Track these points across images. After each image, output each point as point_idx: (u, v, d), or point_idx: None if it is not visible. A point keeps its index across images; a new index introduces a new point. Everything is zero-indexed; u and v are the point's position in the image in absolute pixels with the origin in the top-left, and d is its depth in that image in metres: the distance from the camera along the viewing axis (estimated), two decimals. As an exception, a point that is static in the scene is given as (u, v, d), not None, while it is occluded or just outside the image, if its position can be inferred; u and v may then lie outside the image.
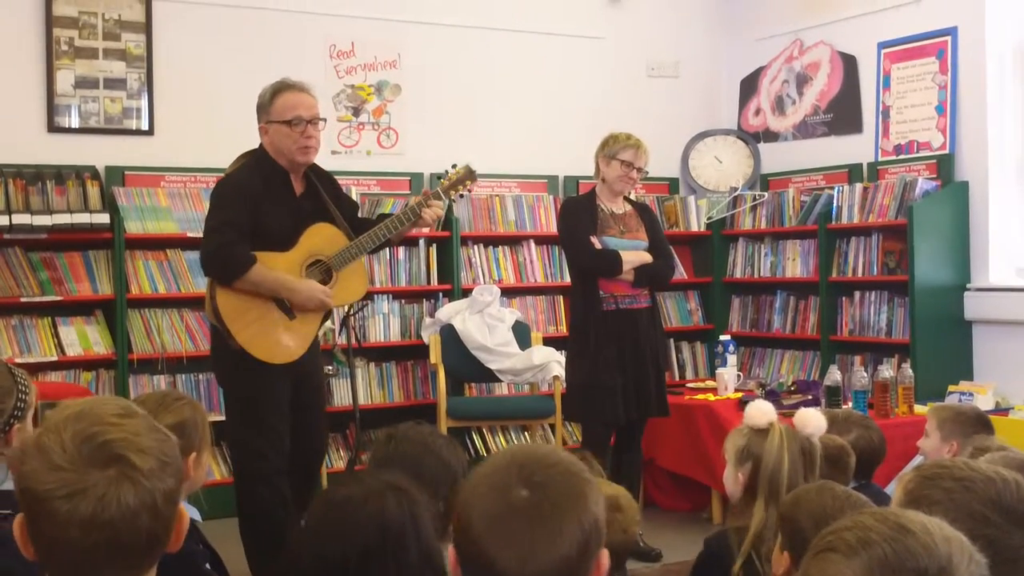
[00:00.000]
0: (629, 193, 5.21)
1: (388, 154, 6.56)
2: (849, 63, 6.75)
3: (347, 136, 6.46)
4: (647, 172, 5.12)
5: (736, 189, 7.11)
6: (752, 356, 7.04)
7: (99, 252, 5.65)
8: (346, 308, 5.48)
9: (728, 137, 7.40)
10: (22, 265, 5.47)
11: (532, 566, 1.39)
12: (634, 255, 4.94)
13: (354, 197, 5.42)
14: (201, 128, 5.97)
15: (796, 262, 6.73)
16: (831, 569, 1.28)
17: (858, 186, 6.36)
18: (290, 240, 4.08)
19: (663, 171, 7.11)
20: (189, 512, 1.48)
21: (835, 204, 6.41)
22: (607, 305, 4.92)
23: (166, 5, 5.96)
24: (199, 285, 5.50)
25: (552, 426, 6.09)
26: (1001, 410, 5.41)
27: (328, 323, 5.14)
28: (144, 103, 5.92)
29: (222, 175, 4.24)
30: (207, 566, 2.41)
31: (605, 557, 1.48)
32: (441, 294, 6.42)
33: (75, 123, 5.79)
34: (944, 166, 6.12)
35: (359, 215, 4.52)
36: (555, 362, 5.97)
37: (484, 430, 6.39)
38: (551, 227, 6.54)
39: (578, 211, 5.02)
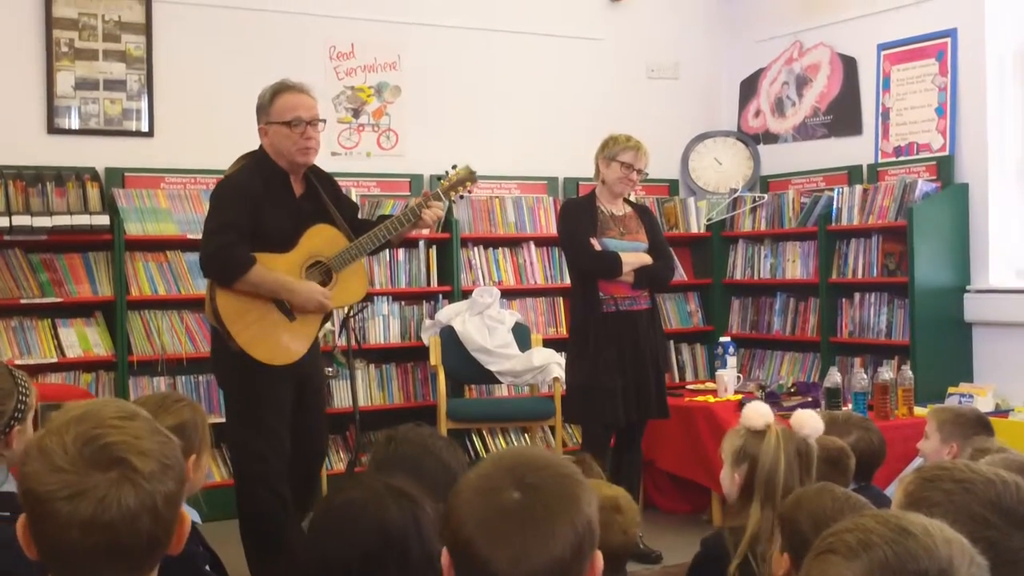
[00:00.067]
0: (629, 195, 5.21)
1: (388, 155, 6.56)
2: (849, 65, 6.75)
3: (347, 138, 6.47)
4: (647, 174, 5.12)
5: (736, 191, 7.11)
6: (752, 358, 7.04)
7: (99, 254, 5.65)
8: (346, 310, 5.48)
9: (728, 139, 7.41)
10: (22, 266, 5.47)
11: (525, 568, 1.39)
12: (634, 257, 4.94)
13: (354, 198, 5.42)
14: (201, 129, 5.97)
15: (796, 264, 6.74)
16: (832, 571, 1.28)
17: (858, 188, 6.36)
18: (290, 241, 4.08)
19: (663, 173, 7.11)
20: (189, 514, 1.49)
21: (835, 206, 6.41)
22: (607, 307, 4.92)
23: (166, 6, 5.97)
24: (199, 287, 5.50)
25: (552, 428, 6.09)
26: (1001, 412, 5.41)
27: (328, 325, 5.14)
28: (144, 104, 5.93)
29: (222, 176, 4.24)
30: (207, 568, 2.41)
31: (599, 559, 1.48)
32: (441, 296, 6.42)
33: (75, 124, 5.79)
34: (944, 168, 6.12)
35: (359, 216, 4.52)
36: (555, 364, 5.97)
37: (484, 432, 6.39)
38: (551, 229, 6.54)
39: (578, 213, 5.02)
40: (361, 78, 6.51)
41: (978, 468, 1.70)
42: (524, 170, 6.84)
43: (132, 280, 5.66)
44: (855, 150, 6.67)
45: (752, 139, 7.36)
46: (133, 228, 5.66)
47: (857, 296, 6.34)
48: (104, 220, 5.52)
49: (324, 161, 4.41)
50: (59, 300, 5.51)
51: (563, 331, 6.53)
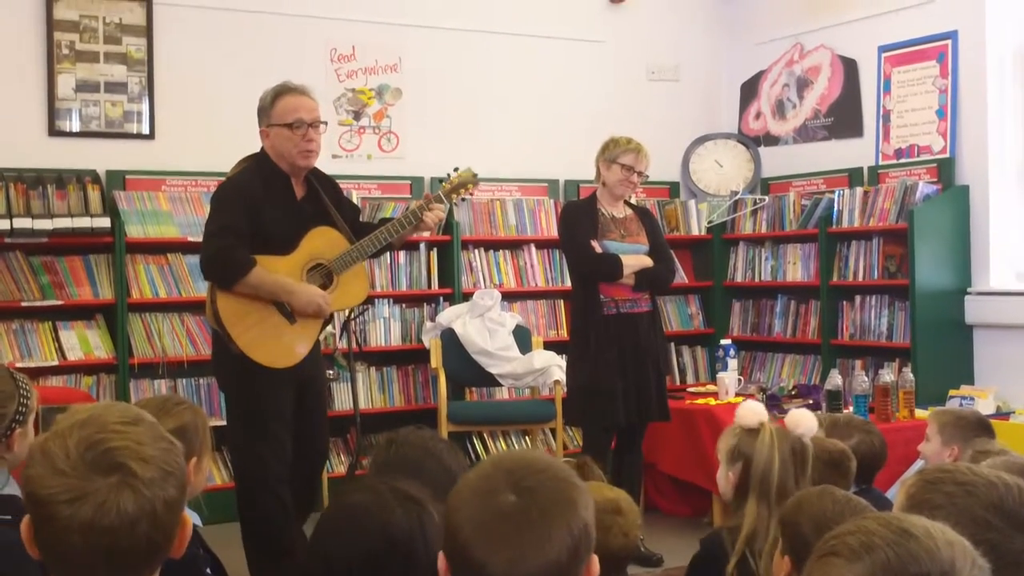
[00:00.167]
0: (630, 197, 5.21)
1: (389, 158, 6.57)
2: (849, 67, 6.75)
3: (348, 140, 6.47)
4: (647, 176, 5.12)
5: (737, 193, 7.11)
6: (753, 360, 7.03)
7: (100, 256, 5.65)
8: (347, 312, 5.49)
9: (728, 141, 7.41)
10: (23, 269, 5.47)
11: (521, 571, 1.39)
12: (635, 259, 4.94)
13: (355, 201, 5.41)
14: (202, 132, 5.97)
15: (797, 266, 6.74)
16: (834, 573, 1.28)
17: (859, 190, 6.36)
18: (291, 244, 4.08)
19: (664, 175, 7.11)
20: (190, 517, 1.49)
21: (836, 208, 6.41)
22: (608, 309, 4.92)
23: (167, 9, 5.97)
24: (200, 289, 5.50)
25: (553, 430, 6.09)
26: (1002, 414, 5.41)
27: (329, 327, 5.15)
28: (145, 107, 5.93)
29: (223, 179, 4.24)
30: (208, 571, 2.41)
31: (595, 563, 1.48)
32: (442, 298, 6.42)
33: (76, 127, 5.79)
34: (945, 170, 6.12)
35: (360, 219, 4.52)
36: (556, 366, 5.97)
37: (485, 435, 6.39)
38: (552, 231, 6.54)
39: (579, 215, 5.02)
40: (362, 80, 6.51)
41: (980, 471, 1.70)
42: (525, 172, 6.84)
43: (133, 282, 5.67)
44: (856, 152, 6.68)
45: (753, 141, 7.36)
46: (134, 230, 5.67)
47: (858, 298, 6.34)
48: (105, 222, 5.53)
49: (325, 163, 4.42)
50: (60, 303, 5.51)
51: (564, 333, 6.53)
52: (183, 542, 1.45)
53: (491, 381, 6.24)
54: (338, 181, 4.47)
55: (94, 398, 5.40)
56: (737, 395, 5.67)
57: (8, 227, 5.30)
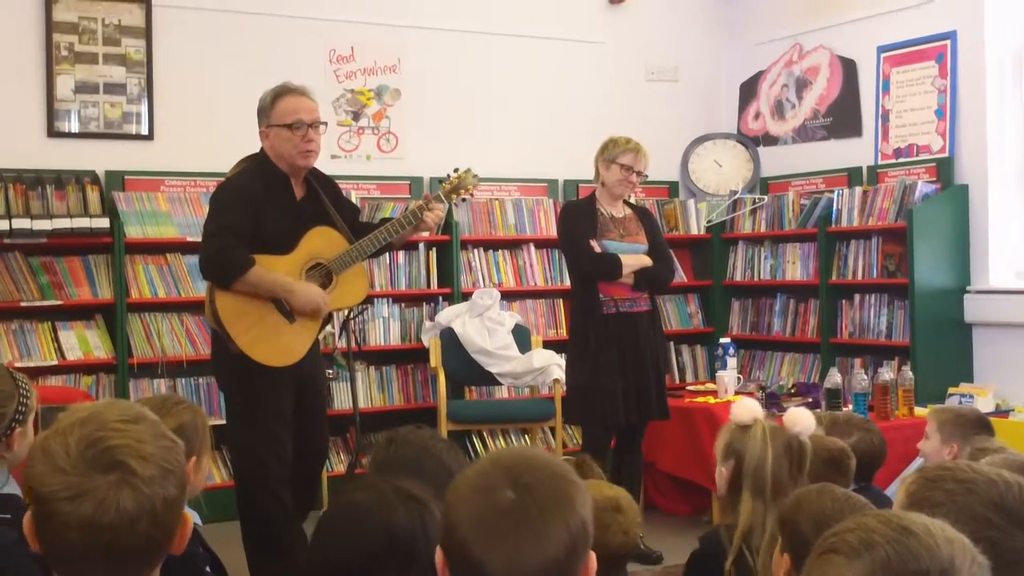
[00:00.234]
0: (629, 197, 5.21)
1: (388, 158, 6.57)
2: (848, 67, 6.76)
3: (347, 140, 6.47)
4: (647, 176, 5.12)
5: (736, 192, 7.11)
6: (752, 359, 7.04)
7: (99, 256, 5.65)
8: (346, 312, 5.49)
9: (728, 141, 7.41)
10: (22, 270, 5.47)
11: (518, 568, 1.39)
12: (634, 259, 4.94)
13: (354, 201, 5.41)
14: (201, 133, 5.97)
15: (796, 265, 6.74)
16: (833, 571, 1.28)
17: (858, 189, 6.36)
18: (290, 244, 4.08)
19: (663, 175, 7.11)
20: (190, 516, 1.50)
21: (835, 207, 6.41)
22: (607, 308, 4.92)
23: (166, 10, 5.97)
24: (199, 289, 5.50)
25: (552, 429, 6.09)
26: (1001, 412, 5.41)
27: (328, 327, 5.15)
28: (144, 108, 5.93)
29: (222, 179, 4.24)
30: (207, 569, 2.41)
31: (592, 560, 1.48)
32: (441, 298, 6.42)
33: (75, 128, 5.79)
34: (944, 169, 6.12)
35: (360, 219, 4.52)
36: (555, 365, 5.97)
37: (484, 434, 6.39)
38: (551, 231, 6.54)
39: (578, 215, 5.02)
40: (361, 81, 6.51)
41: (980, 468, 1.70)
42: (524, 172, 6.85)
43: (132, 283, 5.67)
44: (855, 152, 6.68)
45: (752, 141, 7.36)
46: (133, 231, 5.67)
47: (857, 297, 6.34)
48: (104, 223, 5.53)
49: (324, 164, 4.42)
50: (59, 303, 5.51)
51: (563, 333, 6.53)
52: (183, 540, 1.45)
53: (490, 380, 6.24)
54: (337, 182, 4.46)
55: (93, 398, 5.40)
56: (736, 394, 5.66)
57: (7, 228, 5.30)
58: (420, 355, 6.29)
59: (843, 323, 6.42)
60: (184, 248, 5.75)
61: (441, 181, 4.55)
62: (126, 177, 5.82)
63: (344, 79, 6.46)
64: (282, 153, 4.07)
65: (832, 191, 6.52)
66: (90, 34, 5.81)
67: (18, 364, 5.19)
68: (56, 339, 5.54)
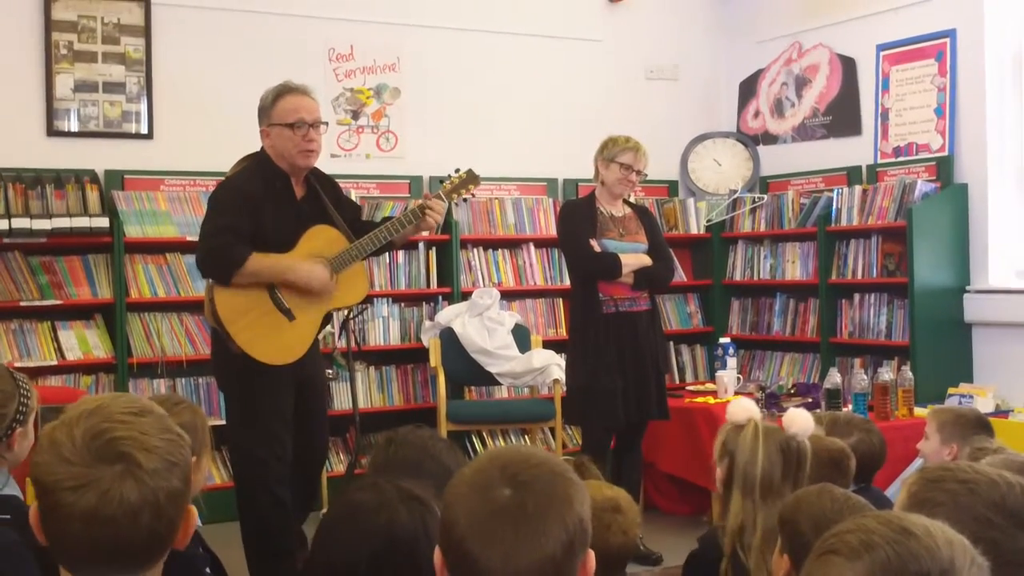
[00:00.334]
0: (628, 196, 5.21)
1: (387, 157, 6.56)
2: (848, 65, 6.76)
3: (346, 139, 6.47)
4: (646, 175, 5.12)
5: (735, 192, 7.11)
6: (752, 359, 7.04)
7: (99, 256, 5.65)
8: (346, 312, 5.48)
9: (727, 140, 7.41)
10: (22, 269, 5.47)
11: (515, 566, 1.39)
12: (633, 258, 4.94)
13: (353, 200, 5.41)
14: (200, 132, 5.97)
15: (795, 264, 6.74)
16: (833, 571, 1.28)
17: (857, 188, 6.36)
18: (290, 243, 4.07)
19: (662, 174, 7.11)
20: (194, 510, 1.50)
21: (834, 206, 6.41)
22: (607, 308, 4.92)
23: (165, 9, 5.97)
24: (199, 289, 5.50)
25: (552, 429, 6.09)
26: (1001, 412, 5.41)
27: (328, 327, 5.14)
28: (143, 107, 5.93)
29: (222, 178, 4.23)
30: (207, 570, 2.41)
31: (591, 559, 1.48)
32: (441, 297, 6.42)
33: (74, 127, 5.79)
34: (943, 168, 6.12)
35: (362, 218, 4.51)
36: (555, 365, 5.97)
37: (484, 434, 6.39)
38: (550, 230, 6.54)
39: (577, 214, 5.02)
40: (360, 80, 6.51)
41: (982, 469, 1.70)
42: (523, 171, 6.84)
43: (132, 282, 5.67)
44: (854, 151, 6.68)
45: (751, 140, 7.36)
46: (132, 230, 5.67)
47: (857, 297, 6.34)
48: (103, 222, 5.52)
49: (323, 163, 4.41)
50: (59, 302, 5.51)
51: (563, 332, 6.53)
52: (187, 534, 1.46)
53: (490, 380, 6.24)
54: (337, 181, 4.46)
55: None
56: (736, 394, 5.66)
57: (7, 227, 5.30)
58: (420, 355, 6.29)
59: (843, 323, 6.42)
60: (184, 248, 5.75)
61: (441, 180, 4.55)
62: (125, 176, 5.82)
63: (343, 78, 6.46)
64: (283, 152, 4.07)
65: (832, 190, 6.52)
66: (89, 33, 5.80)
67: (18, 364, 5.18)
68: (56, 339, 5.54)
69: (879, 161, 6.50)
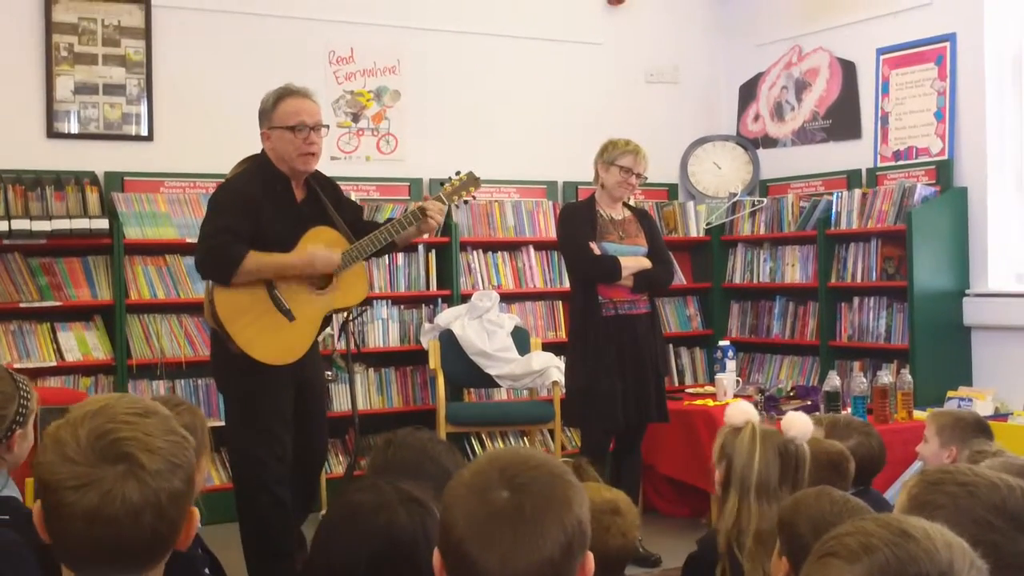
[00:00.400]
0: (628, 199, 5.21)
1: (387, 160, 6.57)
2: (848, 69, 6.76)
3: (346, 142, 6.47)
4: (646, 178, 5.13)
5: (735, 195, 7.11)
6: (751, 362, 7.04)
7: (98, 258, 5.65)
8: (345, 313, 5.48)
9: (727, 143, 7.41)
10: (21, 271, 5.47)
11: (513, 568, 1.39)
12: (633, 261, 4.94)
13: (354, 201, 5.41)
14: (200, 134, 5.97)
15: (795, 268, 6.74)
16: (832, 574, 1.28)
17: (857, 192, 6.36)
18: (290, 245, 4.06)
19: (662, 177, 7.11)
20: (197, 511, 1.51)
21: (834, 210, 6.41)
22: (606, 311, 4.92)
23: (166, 11, 5.97)
24: (198, 290, 5.50)
25: (551, 431, 6.09)
26: (1000, 416, 5.41)
27: (328, 328, 5.14)
28: (143, 109, 5.93)
29: (222, 180, 4.23)
30: (207, 571, 2.41)
31: (590, 561, 1.48)
32: (440, 299, 6.42)
33: (74, 129, 5.79)
34: (943, 172, 6.12)
35: (364, 219, 4.51)
36: (554, 367, 5.97)
37: (483, 436, 6.39)
38: (550, 233, 6.55)
39: (577, 217, 5.02)
40: (360, 82, 6.51)
41: (982, 472, 1.70)
42: (523, 174, 6.85)
43: (131, 284, 5.67)
44: (854, 154, 6.68)
45: (751, 143, 7.36)
46: (132, 232, 5.67)
47: (856, 300, 6.34)
48: (103, 224, 5.52)
49: (323, 165, 4.41)
50: (58, 304, 5.51)
51: (562, 335, 6.53)
52: (190, 535, 1.47)
53: (489, 382, 6.24)
54: (337, 183, 4.46)
55: (92, 399, 5.39)
56: (735, 396, 5.66)
57: (6, 228, 5.30)
58: (419, 357, 6.29)
59: (842, 326, 6.42)
60: (183, 249, 5.75)
61: (441, 183, 4.55)
62: (125, 178, 5.82)
63: (344, 80, 6.46)
64: (283, 155, 4.07)
65: (831, 193, 6.52)
66: (90, 35, 5.81)
67: (17, 365, 5.18)
68: (55, 340, 5.54)
69: (879, 165, 6.51)
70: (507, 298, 6.54)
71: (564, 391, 5.41)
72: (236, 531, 4.07)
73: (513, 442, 6.44)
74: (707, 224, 7.16)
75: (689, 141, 7.37)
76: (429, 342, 6.20)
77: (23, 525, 2.10)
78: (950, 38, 6.14)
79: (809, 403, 5.39)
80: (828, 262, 6.44)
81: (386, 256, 6.01)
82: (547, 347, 6.35)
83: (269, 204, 4.03)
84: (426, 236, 5.95)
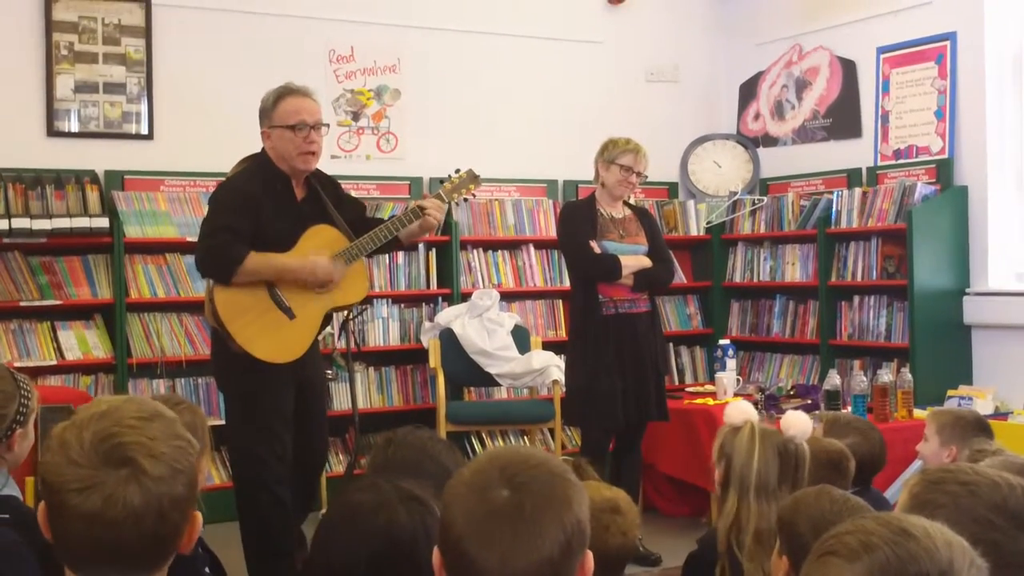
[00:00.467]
0: (629, 197, 5.21)
1: (388, 158, 6.57)
2: (848, 68, 6.76)
3: (347, 140, 6.47)
4: (646, 177, 5.13)
5: (735, 194, 7.11)
6: (751, 360, 7.04)
7: (98, 256, 5.65)
8: (346, 312, 5.48)
9: (727, 142, 7.41)
10: (21, 269, 5.47)
11: (513, 567, 1.39)
12: (633, 259, 4.94)
13: (356, 198, 5.40)
14: (201, 132, 5.97)
15: (795, 266, 6.74)
16: (832, 572, 1.28)
17: (857, 191, 6.36)
18: (290, 244, 4.07)
19: (662, 175, 7.11)
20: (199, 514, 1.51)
21: (834, 209, 6.41)
22: (607, 309, 4.92)
23: (166, 10, 5.97)
24: (198, 289, 5.50)
25: (551, 430, 6.09)
26: (1000, 414, 5.41)
27: (328, 327, 5.14)
28: (144, 107, 5.93)
29: (222, 179, 4.23)
30: (207, 570, 2.41)
31: (589, 560, 1.48)
32: (440, 298, 6.42)
33: (75, 127, 5.79)
34: (943, 171, 6.12)
35: (367, 216, 4.51)
36: (554, 366, 5.97)
37: (483, 434, 6.39)
38: (550, 231, 6.54)
39: (578, 216, 5.02)
40: (361, 81, 6.51)
41: (983, 471, 1.70)
42: (523, 173, 6.85)
43: (131, 283, 5.67)
44: (854, 153, 6.68)
45: (751, 142, 7.36)
46: (132, 231, 5.67)
47: (856, 299, 6.34)
48: (103, 223, 5.53)
49: (324, 164, 4.41)
50: (58, 303, 5.51)
51: (562, 334, 6.53)
52: (192, 539, 1.48)
53: (490, 381, 6.24)
54: (337, 182, 4.46)
55: (92, 397, 5.40)
56: (736, 395, 5.66)
57: (7, 227, 5.30)
58: (419, 356, 6.29)
59: (842, 325, 6.42)
60: (184, 248, 5.75)
61: (442, 181, 4.55)
62: (126, 177, 5.82)
63: (344, 79, 6.46)
64: (283, 154, 4.07)
65: (832, 192, 6.52)
66: (90, 33, 5.81)
67: (17, 364, 5.18)
68: (55, 339, 5.54)
69: (879, 163, 6.51)
70: (507, 297, 6.54)
71: (564, 390, 5.41)
72: (236, 530, 4.07)
73: (513, 441, 6.44)
74: (707, 223, 7.16)
75: (689, 140, 7.37)
76: (429, 341, 6.20)
77: (23, 524, 2.10)
78: (950, 37, 6.14)
79: (809, 402, 5.39)
80: (828, 261, 6.44)
81: (386, 255, 6.01)
82: (547, 346, 6.35)
83: (269, 203, 4.03)
84: (425, 235, 5.97)
